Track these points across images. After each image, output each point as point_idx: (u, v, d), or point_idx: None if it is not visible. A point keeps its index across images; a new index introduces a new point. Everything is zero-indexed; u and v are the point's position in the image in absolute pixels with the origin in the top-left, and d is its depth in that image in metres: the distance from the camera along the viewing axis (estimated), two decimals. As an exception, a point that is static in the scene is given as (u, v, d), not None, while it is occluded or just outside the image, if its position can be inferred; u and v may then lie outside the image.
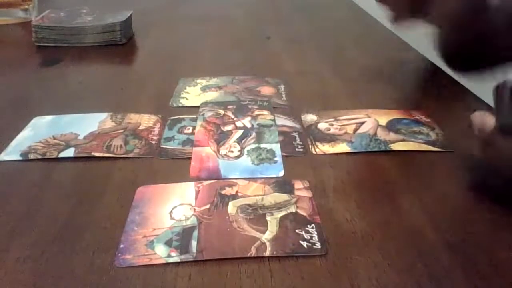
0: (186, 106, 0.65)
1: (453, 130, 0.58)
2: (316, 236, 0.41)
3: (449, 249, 0.40)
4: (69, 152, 0.53)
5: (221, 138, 0.56)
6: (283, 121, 0.61)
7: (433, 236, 0.41)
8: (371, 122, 0.60)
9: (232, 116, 0.61)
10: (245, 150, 0.54)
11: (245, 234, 0.41)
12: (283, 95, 0.68)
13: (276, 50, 0.88)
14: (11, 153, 0.54)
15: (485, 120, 0.46)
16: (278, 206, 0.45)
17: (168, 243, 0.40)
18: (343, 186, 0.48)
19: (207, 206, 0.45)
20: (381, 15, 1.08)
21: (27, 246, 0.40)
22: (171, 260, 0.39)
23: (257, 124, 0.59)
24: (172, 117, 0.61)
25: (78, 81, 0.75)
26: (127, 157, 0.53)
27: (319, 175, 0.50)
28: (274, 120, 0.61)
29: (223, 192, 0.47)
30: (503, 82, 0.43)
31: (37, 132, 0.58)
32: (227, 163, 0.52)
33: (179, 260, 0.38)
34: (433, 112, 0.62)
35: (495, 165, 0.46)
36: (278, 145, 0.55)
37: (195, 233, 0.41)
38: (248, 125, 0.59)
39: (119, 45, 0.89)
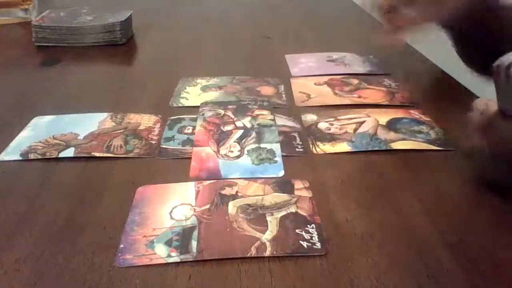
0: (186, 106, 0.65)
1: (453, 129, 0.58)
2: (316, 236, 0.41)
3: (449, 249, 0.40)
4: (69, 152, 0.53)
5: (221, 138, 0.56)
6: (283, 121, 0.61)
7: (433, 236, 0.41)
8: (371, 122, 0.60)
9: (232, 116, 0.61)
10: (245, 150, 0.54)
11: (245, 234, 0.41)
12: (283, 95, 0.68)
13: (276, 50, 0.88)
14: (11, 153, 0.54)
15: (486, 104, 0.46)
16: (278, 206, 0.45)
17: (168, 243, 0.40)
18: (343, 186, 0.48)
19: (207, 206, 0.45)
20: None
21: (27, 246, 0.40)
22: (171, 260, 0.39)
23: (257, 124, 0.59)
24: (172, 117, 0.61)
25: (78, 81, 0.75)
26: (127, 157, 0.53)
27: (319, 175, 0.50)
28: (274, 120, 0.61)
29: (223, 192, 0.47)
30: (499, 62, 0.42)
31: (37, 132, 0.58)
32: (227, 163, 0.52)
33: (179, 260, 0.38)
34: (433, 111, 0.62)
35: (495, 149, 0.45)
36: (278, 145, 0.55)
37: (195, 233, 0.41)
38: (248, 125, 0.59)
39: (119, 45, 0.90)
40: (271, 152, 0.54)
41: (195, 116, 0.62)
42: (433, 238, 0.41)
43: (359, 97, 0.68)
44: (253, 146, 0.55)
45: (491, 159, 0.47)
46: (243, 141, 0.56)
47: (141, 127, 0.59)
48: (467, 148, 0.54)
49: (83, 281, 0.37)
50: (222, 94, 0.69)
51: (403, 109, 0.64)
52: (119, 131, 0.58)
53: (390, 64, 0.80)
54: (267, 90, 0.70)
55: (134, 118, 0.61)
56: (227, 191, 0.47)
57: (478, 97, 0.66)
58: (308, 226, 0.42)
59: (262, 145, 0.55)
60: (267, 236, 0.41)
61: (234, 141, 0.56)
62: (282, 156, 0.53)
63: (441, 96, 0.69)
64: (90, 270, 0.38)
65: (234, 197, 0.46)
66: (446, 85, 0.73)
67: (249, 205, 0.45)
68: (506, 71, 0.41)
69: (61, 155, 0.53)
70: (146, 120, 0.61)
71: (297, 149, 0.54)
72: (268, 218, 0.43)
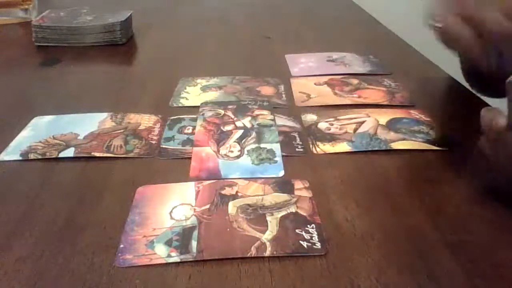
0: (186, 106, 0.65)
1: (453, 129, 0.58)
2: (316, 236, 0.41)
3: (449, 249, 0.40)
4: (69, 152, 0.53)
5: (221, 138, 0.56)
6: (283, 121, 0.61)
7: (433, 236, 0.41)
8: (371, 122, 0.60)
9: (232, 116, 0.61)
10: (245, 150, 0.54)
11: (245, 234, 0.41)
12: (283, 95, 0.68)
13: (276, 50, 0.88)
14: (11, 153, 0.54)
15: (495, 116, 0.44)
16: (278, 206, 0.45)
17: (168, 243, 0.40)
18: (343, 186, 0.48)
19: (207, 206, 0.45)
20: (382, 17, 1.08)
21: (27, 246, 0.40)
22: (171, 260, 0.39)
23: (257, 124, 0.59)
24: (172, 117, 0.61)
25: (78, 81, 0.75)
26: (127, 157, 0.53)
27: (319, 175, 0.50)
28: (274, 120, 0.61)
29: (223, 192, 0.47)
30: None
31: (37, 132, 0.58)
32: (227, 163, 0.52)
33: (179, 260, 0.38)
34: (433, 111, 0.62)
35: (502, 164, 0.45)
36: (278, 145, 0.55)
37: (195, 233, 0.41)
38: (248, 125, 0.59)
39: (119, 45, 0.90)
40: (271, 152, 0.54)
41: (195, 116, 0.62)
42: (433, 238, 0.41)
43: (359, 97, 0.68)
44: (253, 146, 0.55)
45: (495, 171, 0.46)
46: (243, 141, 0.56)
47: (141, 127, 0.59)
48: (466, 148, 0.54)
49: (83, 281, 0.37)
50: (222, 94, 0.69)
51: (403, 109, 0.64)
52: (119, 131, 0.58)
53: (390, 64, 0.80)
54: (267, 90, 0.70)
55: (134, 118, 0.61)
56: (227, 191, 0.47)
57: (478, 97, 0.67)
58: (308, 226, 0.42)
59: (262, 145, 0.55)
60: (267, 236, 0.41)
61: (234, 141, 0.56)
62: (282, 156, 0.53)
63: (441, 96, 0.69)
64: (90, 270, 0.38)
65: (234, 197, 0.46)
66: (446, 85, 0.74)
67: (249, 205, 0.45)
68: None
69: (61, 155, 0.53)
70: (146, 120, 0.61)
71: (297, 149, 0.54)
72: (268, 218, 0.43)
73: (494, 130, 0.44)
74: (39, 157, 0.53)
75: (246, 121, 0.60)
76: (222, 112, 0.63)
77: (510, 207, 0.44)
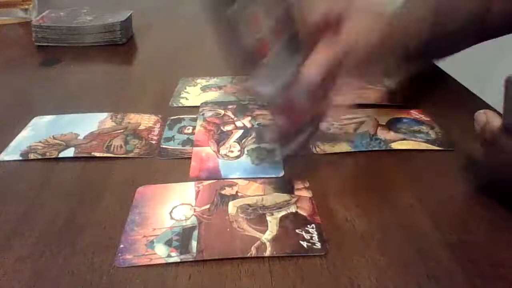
0: (186, 106, 0.65)
1: (453, 129, 0.58)
2: (316, 236, 0.41)
3: (449, 249, 0.40)
4: (69, 152, 0.53)
5: (221, 138, 0.56)
6: (283, 121, 0.61)
7: (433, 236, 0.41)
8: (371, 122, 0.60)
9: (232, 116, 0.61)
10: (245, 150, 0.54)
11: (245, 234, 0.41)
12: (283, 95, 0.68)
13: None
14: (11, 153, 0.54)
15: (490, 118, 0.44)
16: (278, 206, 0.45)
17: (168, 243, 0.40)
18: (343, 186, 0.48)
19: (207, 206, 0.45)
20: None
21: (27, 246, 0.40)
22: (171, 260, 0.39)
23: (257, 124, 0.59)
24: (172, 117, 0.61)
25: (78, 81, 0.75)
26: (127, 157, 0.53)
27: (319, 175, 0.50)
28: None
29: (223, 192, 0.47)
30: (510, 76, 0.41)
31: (37, 132, 0.58)
32: (227, 163, 0.52)
33: (179, 260, 0.39)
34: (433, 111, 0.62)
35: (497, 166, 0.45)
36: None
37: (195, 233, 0.41)
38: (248, 125, 0.59)
39: (119, 45, 0.90)
40: (271, 152, 0.54)
41: (195, 116, 0.62)
42: (433, 238, 0.41)
43: (359, 97, 0.68)
44: (253, 146, 0.55)
45: (489, 172, 0.46)
46: (243, 141, 0.56)
47: (141, 127, 0.59)
48: (466, 148, 0.54)
49: (83, 281, 0.37)
50: (222, 94, 0.69)
51: (403, 109, 0.64)
52: (119, 131, 0.58)
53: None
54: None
55: (134, 118, 0.61)
56: (227, 191, 0.47)
57: (478, 97, 0.67)
58: (308, 226, 0.42)
59: (262, 145, 0.55)
60: (267, 236, 0.41)
61: (234, 141, 0.56)
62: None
63: (441, 96, 0.69)
64: (90, 270, 0.38)
65: (234, 197, 0.46)
66: (446, 85, 0.73)
67: (249, 205, 0.45)
68: None
69: (61, 155, 0.53)
70: (146, 120, 0.61)
71: (297, 149, 0.54)
72: (268, 218, 0.43)
73: (489, 133, 0.44)
74: (39, 157, 0.53)
75: (246, 121, 0.60)
76: (222, 112, 0.63)
77: (510, 207, 0.44)
